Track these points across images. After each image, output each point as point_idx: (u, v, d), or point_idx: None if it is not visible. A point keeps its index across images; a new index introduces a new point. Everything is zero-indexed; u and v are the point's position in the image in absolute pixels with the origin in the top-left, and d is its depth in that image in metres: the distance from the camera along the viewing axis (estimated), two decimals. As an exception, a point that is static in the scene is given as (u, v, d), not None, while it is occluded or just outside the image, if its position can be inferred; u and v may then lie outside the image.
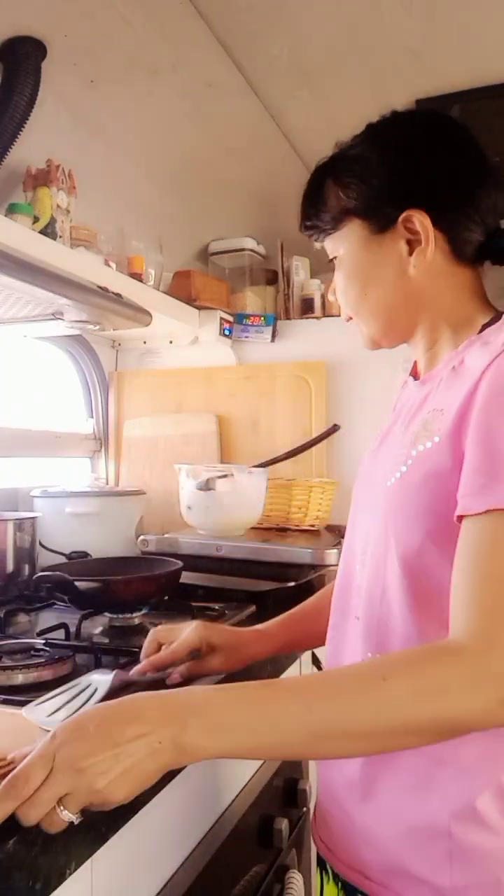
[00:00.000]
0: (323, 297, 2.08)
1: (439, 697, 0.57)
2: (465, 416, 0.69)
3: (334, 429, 1.57)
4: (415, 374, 0.89)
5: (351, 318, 0.89)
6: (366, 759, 0.74)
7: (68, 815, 0.55)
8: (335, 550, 1.40)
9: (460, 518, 0.65)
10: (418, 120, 0.86)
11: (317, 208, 0.86)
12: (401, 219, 0.79)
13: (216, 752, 0.58)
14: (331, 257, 0.88)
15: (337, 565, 1.12)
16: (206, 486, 1.49)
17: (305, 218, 0.89)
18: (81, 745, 0.55)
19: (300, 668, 1.41)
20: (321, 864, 0.85)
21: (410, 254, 0.80)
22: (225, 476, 1.44)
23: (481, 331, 0.78)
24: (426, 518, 0.71)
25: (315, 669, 1.47)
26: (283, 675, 1.23)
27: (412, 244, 0.80)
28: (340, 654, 0.84)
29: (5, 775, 0.59)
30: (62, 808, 0.55)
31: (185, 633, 0.90)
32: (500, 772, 0.69)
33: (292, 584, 1.41)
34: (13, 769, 0.58)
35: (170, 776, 0.81)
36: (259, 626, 1.00)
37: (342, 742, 0.59)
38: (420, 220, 0.78)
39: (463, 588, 0.62)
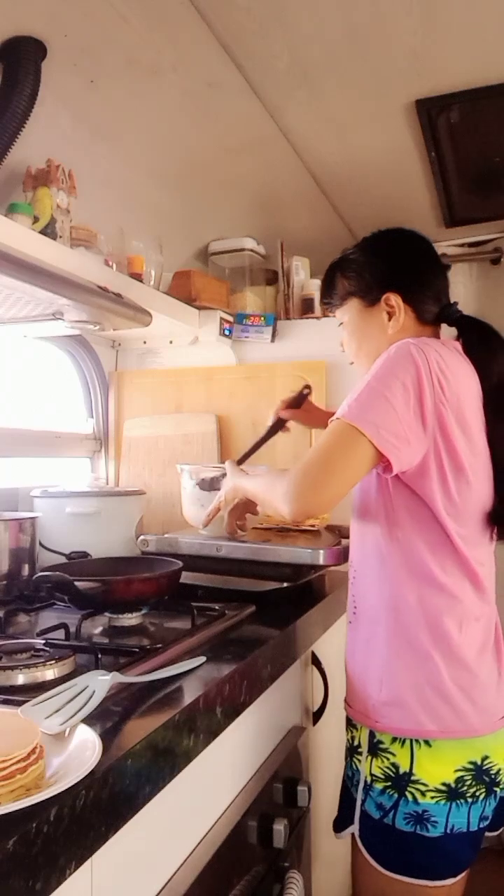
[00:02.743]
0: (323, 297, 2.08)
1: (277, 499, 1.11)
2: None
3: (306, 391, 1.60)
4: None
5: (352, 363, 1.30)
6: (350, 629, 1.20)
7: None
8: (335, 550, 1.40)
9: None
10: (393, 235, 1.26)
11: (330, 291, 1.29)
12: (383, 298, 1.20)
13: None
14: (339, 322, 1.30)
15: (336, 565, 1.30)
16: (210, 487, 1.49)
17: (323, 297, 1.33)
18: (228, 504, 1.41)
19: (300, 667, 1.42)
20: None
21: (389, 320, 1.20)
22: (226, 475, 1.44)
23: None
24: None
25: (315, 669, 1.48)
26: (283, 675, 1.24)
27: (390, 314, 1.20)
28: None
29: (6, 777, 0.59)
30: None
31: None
32: (407, 632, 1.09)
33: (292, 584, 1.42)
34: (12, 768, 0.58)
35: (169, 777, 0.82)
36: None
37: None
38: (395, 299, 1.20)
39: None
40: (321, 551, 1.37)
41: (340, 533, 1.56)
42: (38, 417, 1.97)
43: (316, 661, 1.48)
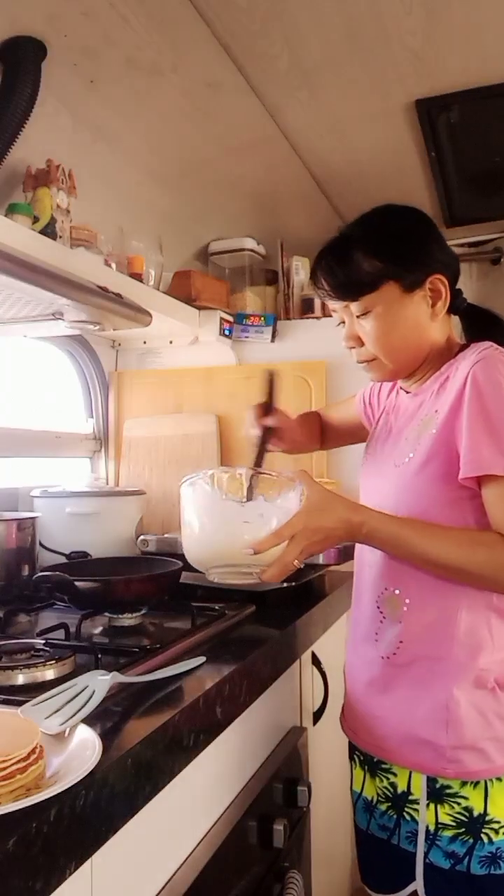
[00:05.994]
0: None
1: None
2: (456, 412, 0.97)
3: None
4: (373, 395, 1.28)
5: (367, 361, 1.08)
6: (385, 664, 1.05)
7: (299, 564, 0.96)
8: (335, 550, 1.40)
9: (477, 478, 0.95)
10: (405, 210, 1.08)
11: (350, 275, 1.03)
12: (428, 281, 1.03)
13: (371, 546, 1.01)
14: (359, 313, 1.05)
15: (336, 565, 1.25)
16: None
17: (338, 284, 1.05)
18: (316, 547, 0.96)
19: (300, 667, 1.42)
20: (350, 753, 1.17)
21: (433, 307, 1.04)
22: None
23: (455, 356, 1.06)
24: (428, 481, 1.01)
25: (315, 669, 1.47)
26: (282, 677, 1.24)
27: (433, 300, 1.04)
28: (360, 597, 1.13)
29: (6, 777, 0.59)
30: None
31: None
32: (477, 666, 0.98)
33: (292, 584, 1.42)
34: (12, 768, 0.59)
35: (169, 776, 0.81)
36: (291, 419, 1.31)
37: (433, 567, 0.97)
38: (442, 283, 1.04)
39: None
40: (321, 551, 1.37)
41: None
42: (38, 418, 1.97)
43: (316, 661, 1.48)
